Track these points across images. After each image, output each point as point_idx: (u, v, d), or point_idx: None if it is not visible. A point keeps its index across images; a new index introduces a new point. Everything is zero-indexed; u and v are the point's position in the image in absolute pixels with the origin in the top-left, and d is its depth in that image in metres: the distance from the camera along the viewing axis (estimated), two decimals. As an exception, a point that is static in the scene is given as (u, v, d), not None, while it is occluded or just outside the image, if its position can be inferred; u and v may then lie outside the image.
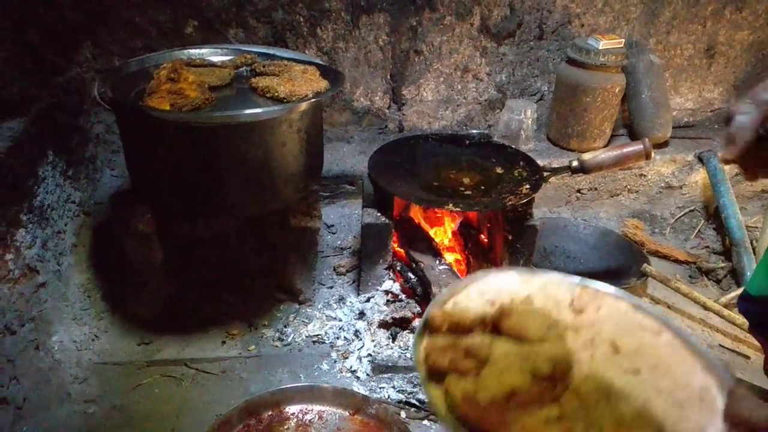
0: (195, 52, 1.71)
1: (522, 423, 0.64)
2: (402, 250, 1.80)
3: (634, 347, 0.77)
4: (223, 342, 1.68)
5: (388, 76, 2.28)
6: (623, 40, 2.13)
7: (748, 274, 1.95)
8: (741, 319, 1.78)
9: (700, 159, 2.30)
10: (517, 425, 0.64)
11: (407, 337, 1.65)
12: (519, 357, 0.70)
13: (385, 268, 1.76)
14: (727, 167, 2.26)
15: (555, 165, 1.99)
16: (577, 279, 0.89)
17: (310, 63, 1.65)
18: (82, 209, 1.81)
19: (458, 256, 1.86)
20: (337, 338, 1.69)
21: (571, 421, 0.64)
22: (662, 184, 2.35)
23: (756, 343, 1.62)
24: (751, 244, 2.06)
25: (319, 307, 1.81)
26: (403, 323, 1.66)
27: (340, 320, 1.74)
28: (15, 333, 1.41)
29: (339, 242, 2.04)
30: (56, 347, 1.57)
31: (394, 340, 1.64)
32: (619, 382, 0.72)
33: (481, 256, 1.81)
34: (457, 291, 0.87)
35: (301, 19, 2.11)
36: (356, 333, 1.68)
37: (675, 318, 1.87)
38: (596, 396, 0.68)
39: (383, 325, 1.66)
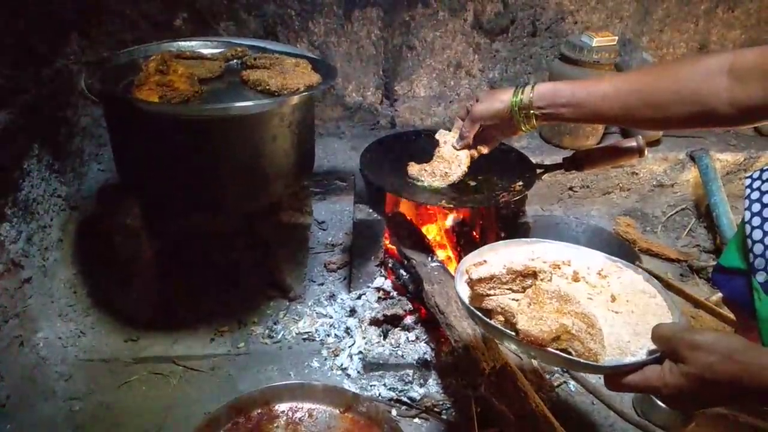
0: (185, 44, 1.68)
1: (495, 295, 1.00)
2: (393, 247, 1.78)
3: (626, 299, 1.03)
4: (212, 339, 1.66)
5: (381, 72, 2.27)
6: (616, 37, 2.12)
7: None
8: (731, 316, 1.78)
9: (691, 157, 2.30)
10: (493, 296, 1.00)
11: (398, 335, 1.63)
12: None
13: (377, 265, 1.75)
14: (719, 166, 2.27)
15: (548, 162, 1.97)
16: (609, 257, 1.15)
17: (302, 56, 1.62)
18: (68, 203, 1.78)
19: (450, 253, 1.85)
20: (328, 335, 1.67)
21: (525, 299, 0.95)
22: (654, 183, 2.35)
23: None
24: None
25: (309, 304, 1.79)
26: (394, 320, 1.65)
27: (331, 317, 1.73)
28: (-1, 329, 1.39)
29: (330, 239, 2.02)
30: (41, 344, 1.54)
31: (385, 337, 1.62)
32: (593, 308, 0.97)
33: (473, 253, 1.80)
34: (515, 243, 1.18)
35: (293, 13, 2.09)
36: (347, 330, 1.66)
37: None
38: (553, 295, 0.95)
39: (374, 322, 1.65)
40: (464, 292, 1.04)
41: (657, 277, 1.22)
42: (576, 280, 1.08)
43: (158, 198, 1.51)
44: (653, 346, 0.88)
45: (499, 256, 1.11)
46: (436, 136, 1.57)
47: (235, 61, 1.64)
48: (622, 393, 1.56)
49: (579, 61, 2.10)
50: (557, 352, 0.89)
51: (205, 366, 1.58)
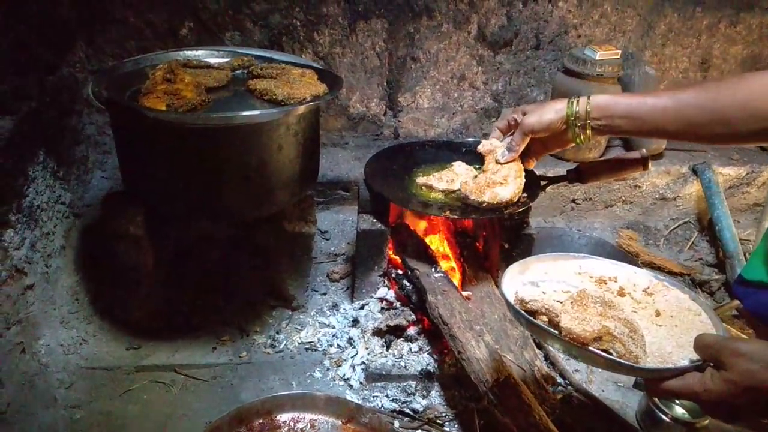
0: (191, 53, 1.69)
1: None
2: (397, 257, 1.78)
3: (671, 315, 1.05)
4: (214, 348, 1.65)
5: (385, 83, 2.28)
6: (620, 51, 2.13)
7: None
8: (734, 330, 1.79)
9: (694, 171, 2.31)
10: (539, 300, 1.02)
11: (401, 345, 1.63)
12: None
13: (380, 275, 1.74)
14: (721, 180, 2.27)
15: (551, 174, 1.97)
16: (656, 274, 1.18)
17: (308, 66, 1.63)
18: (71, 210, 1.78)
19: (453, 264, 1.85)
20: (330, 345, 1.67)
21: (568, 301, 0.99)
22: (656, 196, 2.35)
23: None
24: (745, 256, 2.06)
25: (312, 313, 1.78)
26: (397, 331, 1.64)
27: (334, 327, 1.72)
28: (1, 336, 1.38)
29: (333, 248, 2.02)
30: (43, 351, 1.53)
31: (388, 348, 1.62)
32: (638, 321, 0.99)
33: (476, 264, 1.80)
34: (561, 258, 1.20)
35: (298, 24, 2.10)
36: (350, 340, 1.66)
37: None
38: (598, 300, 0.98)
39: (377, 332, 1.64)
40: (510, 294, 1.06)
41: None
42: (622, 295, 1.11)
43: (163, 205, 1.51)
44: (695, 357, 0.90)
45: (545, 268, 1.16)
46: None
47: (241, 70, 1.64)
48: (623, 411, 1.55)
49: (582, 74, 2.10)
50: (599, 351, 0.91)
51: (207, 375, 1.57)
